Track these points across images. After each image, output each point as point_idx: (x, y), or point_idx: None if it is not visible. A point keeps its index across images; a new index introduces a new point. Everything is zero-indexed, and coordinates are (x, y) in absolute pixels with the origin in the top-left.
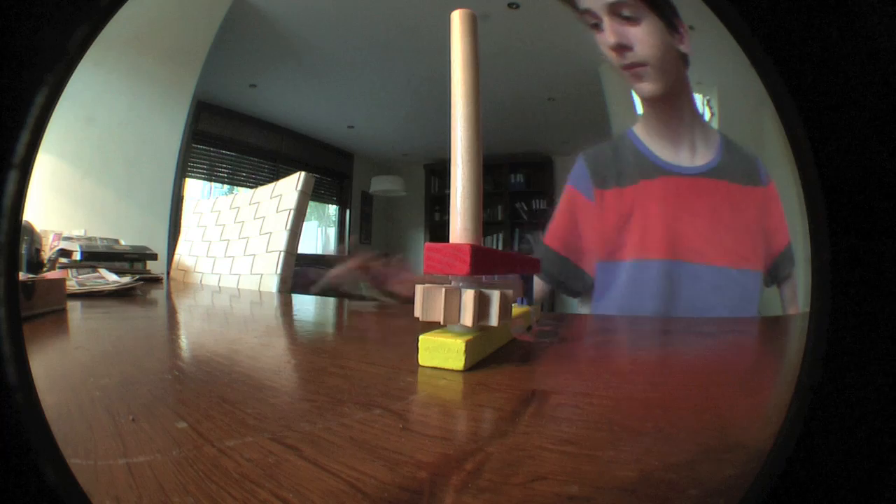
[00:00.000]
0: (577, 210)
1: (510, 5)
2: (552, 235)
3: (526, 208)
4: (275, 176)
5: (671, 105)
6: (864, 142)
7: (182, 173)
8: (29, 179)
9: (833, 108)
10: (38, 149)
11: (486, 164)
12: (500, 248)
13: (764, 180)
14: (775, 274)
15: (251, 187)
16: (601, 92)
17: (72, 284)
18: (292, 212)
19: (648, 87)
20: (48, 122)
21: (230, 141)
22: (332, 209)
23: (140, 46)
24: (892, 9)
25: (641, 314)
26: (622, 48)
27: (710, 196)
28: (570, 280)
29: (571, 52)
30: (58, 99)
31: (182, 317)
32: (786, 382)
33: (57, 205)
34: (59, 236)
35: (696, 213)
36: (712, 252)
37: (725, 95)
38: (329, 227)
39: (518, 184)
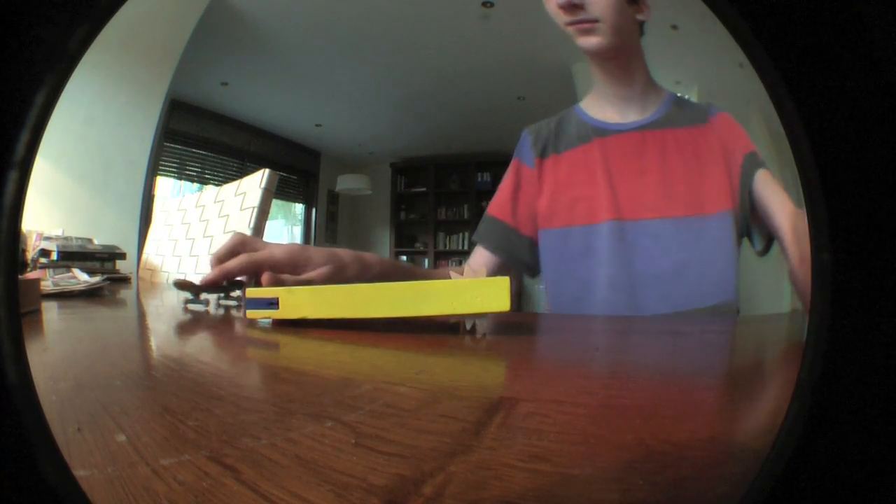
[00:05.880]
0: (519, 179)
1: (485, 4)
2: (495, 205)
3: None
4: (242, 174)
5: (620, 69)
6: (864, 142)
7: (153, 171)
8: (29, 179)
9: (833, 108)
10: (37, 149)
11: (453, 163)
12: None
13: (713, 114)
14: (746, 183)
15: (219, 185)
16: (574, 91)
17: (47, 285)
18: (256, 210)
19: (596, 40)
20: (48, 122)
21: (200, 139)
22: (299, 208)
23: (119, 45)
24: (892, 10)
25: (594, 284)
26: (573, 7)
27: (655, 147)
28: (517, 249)
29: (544, 50)
30: (58, 99)
31: (141, 318)
32: (776, 386)
33: (39, 204)
34: (41, 236)
35: (640, 168)
36: (665, 205)
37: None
38: (295, 225)
39: (484, 183)
